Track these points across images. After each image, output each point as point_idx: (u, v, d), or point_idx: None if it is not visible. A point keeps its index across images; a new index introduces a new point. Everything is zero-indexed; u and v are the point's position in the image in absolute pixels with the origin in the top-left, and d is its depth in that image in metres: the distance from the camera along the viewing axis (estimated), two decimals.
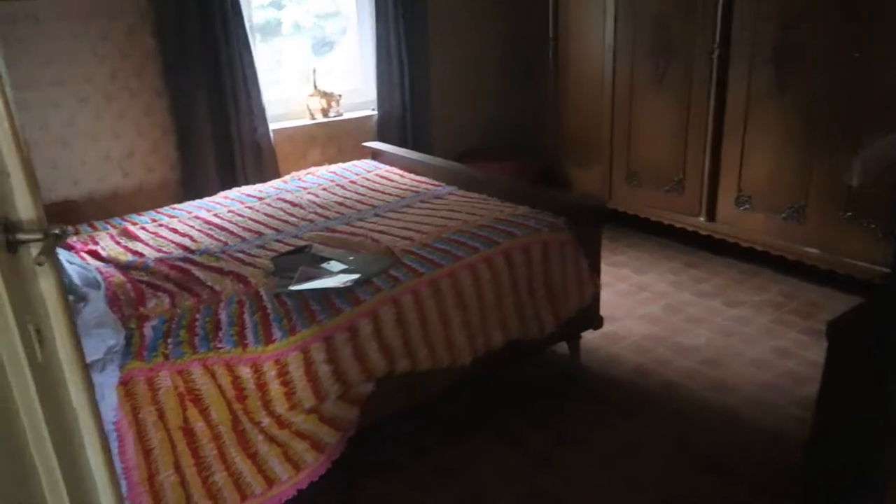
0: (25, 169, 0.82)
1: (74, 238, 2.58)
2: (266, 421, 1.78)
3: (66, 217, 3.29)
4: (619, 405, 2.50)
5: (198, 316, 1.89)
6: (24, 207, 0.82)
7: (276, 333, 1.82)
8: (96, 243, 2.56)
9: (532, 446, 2.29)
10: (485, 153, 4.52)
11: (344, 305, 1.95)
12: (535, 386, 2.64)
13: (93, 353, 1.65)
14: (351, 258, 2.23)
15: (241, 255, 2.38)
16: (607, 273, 3.53)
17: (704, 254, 3.74)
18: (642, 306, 3.22)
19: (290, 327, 1.84)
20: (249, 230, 2.66)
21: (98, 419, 0.99)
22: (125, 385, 1.62)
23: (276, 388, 1.79)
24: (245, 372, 1.75)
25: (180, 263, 2.28)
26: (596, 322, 2.68)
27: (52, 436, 0.79)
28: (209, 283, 2.09)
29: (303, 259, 2.20)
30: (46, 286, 0.87)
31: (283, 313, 1.90)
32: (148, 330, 1.79)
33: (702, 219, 3.56)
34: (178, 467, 1.67)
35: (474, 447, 2.29)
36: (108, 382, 1.60)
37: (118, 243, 2.57)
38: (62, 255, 2.30)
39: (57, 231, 0.76)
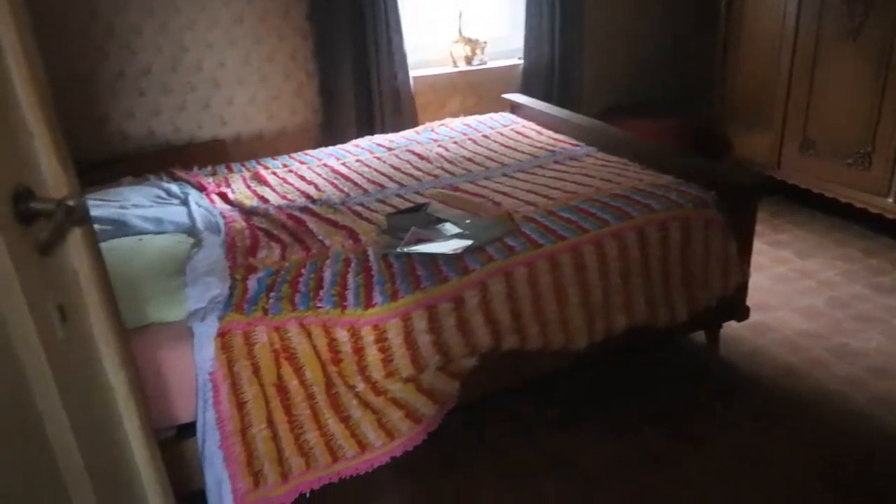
0: (52, 131, 0.74)
1: (210, 180, 2.66)
2: (361, 386, 1.72)
3: (213, 156, 3.44)
4: (756, 408, 2.20)
5: (303, 271, 1.85)
6: (53, 174, 0.75)
7: (377, 297, 1.74)
8: (228, 185, 2.63)
9: (648, 441, 2.08)
10: (636, 109, 4.14)
11: (451, 273, 1.82)
12: (661, 375, 2.39)
13: (196, 301, 1.67)
14: (467, 221, 2.09)
15: (358, 209, 2.33)
16: (764, 254, 3.13)
17: (887, 241, 3.20)
18: (802, 296, 2.82)
19: (392, 292, 1.76)
20: (373, 182, 2.59)
21: (142, 401, 0.93)
22: (223, 337, 1.61)
23: (372, 354, 1.72)
24: (342, 335, 1.69)
25: (297, 213, 2.26)
26: (740, 314, 2.36)
27: (72, 421, 0.73)
28: (320, 237, 2.05)
29: (417, 219, 2.09)
30: (78, 256, 0.80)
31: (386, 276, 1.82)
32: (252, 282, 1.78)
33: (890, 200, 3.02)
34: (270, 422, 1.66)
35: (584, 434, 2.12)
36: (206, 332, 1.60)
37: (248, 187, 2.61)
38: (192, 196, 2.37)
39: (71, 202, 0.69)
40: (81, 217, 0.75)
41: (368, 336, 1.71)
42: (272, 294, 1.74)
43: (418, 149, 2.93)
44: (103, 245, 1.93)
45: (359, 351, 1.70)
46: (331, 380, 1.70)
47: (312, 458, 1.72)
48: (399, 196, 2.44)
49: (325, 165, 2.81)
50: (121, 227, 1.99)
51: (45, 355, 0.66)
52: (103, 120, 3.26)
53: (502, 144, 2.94)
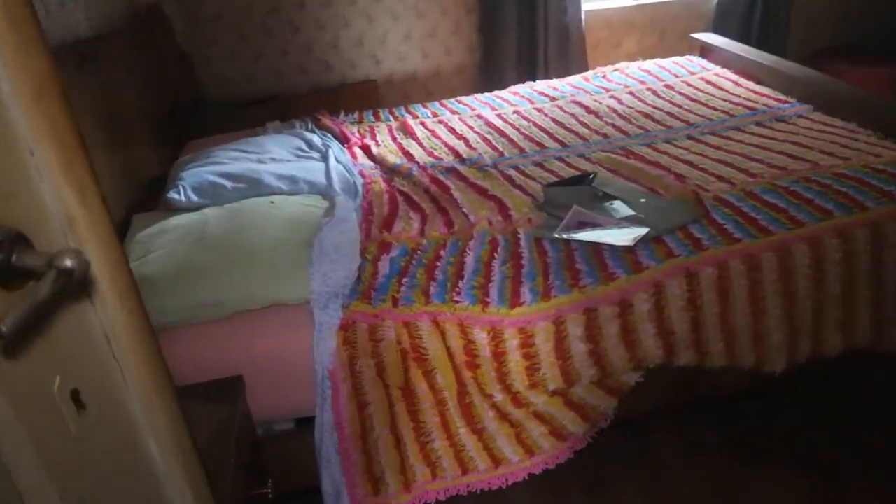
0: (62, 146, 0.50)
1: (355, 129, 2.46)
2: (499, 396, 1.46)
3: (364, 98, 3.25)
4: None
5: (442, 254, 1.59)
6: (62, 213, 0.50)
7: (526, 295, 1.44)
8: (374, 136, 2.41)
9: (857, 490, 1.65)
10: (852, 53, 3.39)
11: (619, 270, 1.48)
12: (880, 406, 1.90)
13: (321, 283, 1.47)
14: (642, 200, 1.71)
15: (511, 173, 2.01)
16: None
17: None
18: None
19: (543, 289, 1.45)
20: (531, 139, 2.26)
21: None
22: (345, 329, 1.41)
23: (515, 361, 1.44)
24: (481, 337, 1.42)
25: (442, 177, 1.99)
26: None
27: None
28: (465, 209, 1.77)
29: (580, 194, 1.74)
30: (107, 316, 0.55)
31: (538, 268, 1.51)
32: (384, 264, 1.55)
33: None
34: (394, 427, 1.45)
35: (767, 468, 1.72)
36: (328, 323, 1.40)
37: (394, 138, 2.38)
38: (333, 149, 2.18)
39: (68, 263, 0.43)
40: (84, 281, 0.50)
41: (512, 340, 1.43)
42: (405, 281, 1.50)
43: (586, 100, 2.53)
44: (233, 205, 1.82)
45: (499, 356, 1.43)
46: (465, 386, 1.46)
47: (440, 468, 1.50)
48: (560, 159, 2.09)
49: (479, 116, 2.50)
50: (254, 186, 1.84)
51: (47, 469, 0.45)
52: (257, 57, 3.17)
53: (689, 97, 2.46)
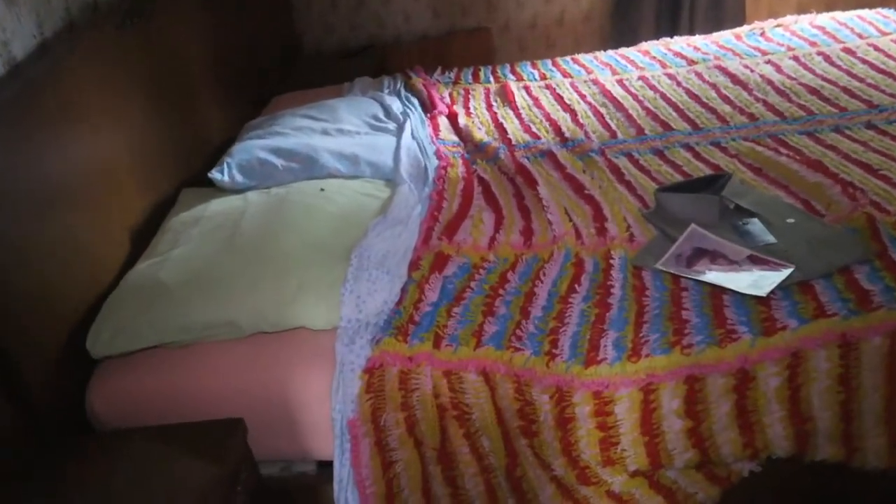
0: None
1: (446, 92, 2.13)
2: (561, 470, 1.14)
3: (475, 49, 2.89)
4: None
5: (510, 276, 1.26)
6: None
7: (608, 350, 1.09)
8: (466, 102, 2.07)
9: None
10: None
11: (743, 327, 1.08)
12: None
13: (351, 309, 1.19)
14: (790, 221, 1.27)
15: (621, 162, 1.61)
16: None
17: None
18: None
19: (633, 344, 1.09)
20: (654, 116, 1.82)
21: None
22: (370, 373, 1.13)
23: (587, 430, 1.10)
24: (542, 399, 1.09)
25: (531, 164, 1.63)
26: None
27: None
28: (550, 213, 1.41)
29: (704, 205, 1.33)
30: None
31: (631, 312, 1.14)
32: (434, 286, 1.24)
33: None
34: (426, 493, 1.18)
35: None
36: (351, 363, 1.13)
37: (489, 105, 2.03)
38: (413, 119, 1.87)
39: None
40: None
41: (583, 406, 1.09)
42: (456, 312, 1.19)
43: (734, 65, 2.02)
44: (279, 190, 1.55)
45: (565, 423, 1.10)
46: (517, 456, 1.14)
47: None
48: (687, 147, 1.65)
49: (595, 82, 2.07)
50: (309, 166, 1.58)
51: None
52: (360, 3, 2.88)
53: (876, 67, 1.88)
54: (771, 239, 1.23)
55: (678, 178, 1.52)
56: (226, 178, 1.56)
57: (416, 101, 2.03)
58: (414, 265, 1.29)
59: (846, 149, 1.52)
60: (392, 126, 1.83)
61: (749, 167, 1.51)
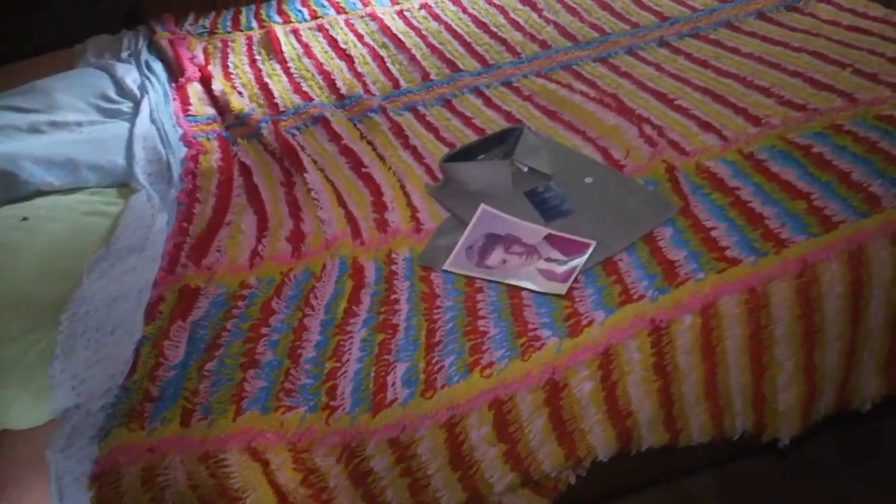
0: None
1: (199, 47, 1.76)
2: None
3: None
4: None
5: (277, 306, 1.01)
6: None
7: (399, 389, 0.89)
8: (225, 58, 1.72)
9: None
10: None
11: (547, 331, 0.92)
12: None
13: (65, 394, 0.90)
14: (588, 181, 1.12)
15: (405, 120, 1.38)
16: None
17: None
18: None
19: (427, 376, 0.90)
20: (441, 54, 1.59)
21: None
22: (101, 480, 0.86)
23: (390, 479, 0.93)
24: (329, 463, 0.89)
25: (299, 139, 1.36)
26: None
27: None
28: (323, 209, 1.16)
29: (494, 172, 1.14)
30: None
31: (420, 332, 0.95)
32: (176, 342, 0.97)
33: None
34: None
35: None
36: (75, 471, 0.86)
37: (252, 61, 1.70)
38: (153, 94, 1.51)
39: None
40: None
41: (381, 457, 0.90)
42: (209, 369, 0.94)
43: None
44: None
45: (363, 479, 0.91)
46: None
47: None
48: (477, 91, 1.45)
49: (373, 17, 1.79)
50: (5, 185, 1.21)
51: None
52: None
53: None
54: (570, 207, 1.07)
55: (468, 132, 1.32)
56: None
57: (159, 66, 1.65)
58: (152, 311, 1.01)
59: (640, 75, 1.39)
60: (127, 107, 1.46)
61: (543, 110, 1.34)
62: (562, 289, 0.94)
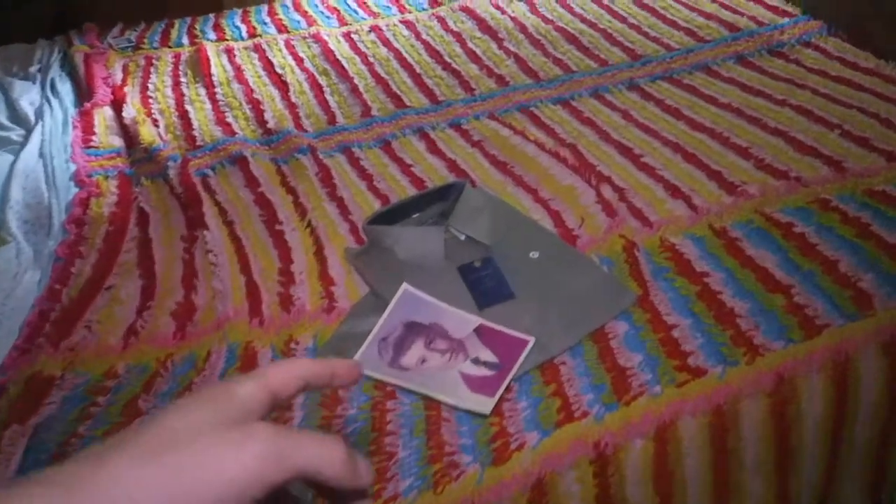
0: None
1: (119, 64, 1.57)
2: None
3: None
4: None
5: (144, 404, 0.83)
6: None
7: None
8: (147, 78, 1.53)
9: None
10: None
11: (469, 454, 0.75)
12: None
13: None
14: (534, 255, 0.95)
15: (337, 163, 1.21)
16: None
17: None
18: None
19: None
20: (386, 86, 1.42)
21: None
22: None
23: None
24: None
25: (214, 179, 1.18)
26: None
27: None
28: (217, 279, 0.98)
29: (424, 239, 0.97)
30: None
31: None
32: (14, 447, 0.78)
33: None
34: None
35: None
36: None
37: (176, 82, 1.51)
38: (48, 117, 1.32)
39: None
40: None
41: None
42: None
43: (482, 6, 1.65)
44: None
45: None
46: None
47: None
48: (420, 133, 1.27)
49: (317, 39, 1.62)
50: None
51: None
52: None
53: (640, 1, 1.61)
54: (509, 291, 0.90)
55: (405, 183, 1.15)
56: None
57: (67, 86, 1.46)
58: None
59: (604, 123, 1.23)
60: (17, 135, 1.27)
61: (493, 160, 1.17)
62: (487, 405, 0.77)
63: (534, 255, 0.95)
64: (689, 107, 1.24)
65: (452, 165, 1.17)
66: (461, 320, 0.86)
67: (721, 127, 1.17)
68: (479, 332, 0.85)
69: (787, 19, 1.44)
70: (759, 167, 1.06)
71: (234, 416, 0.30)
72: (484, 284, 0.91)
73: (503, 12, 1.62)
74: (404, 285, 0.89)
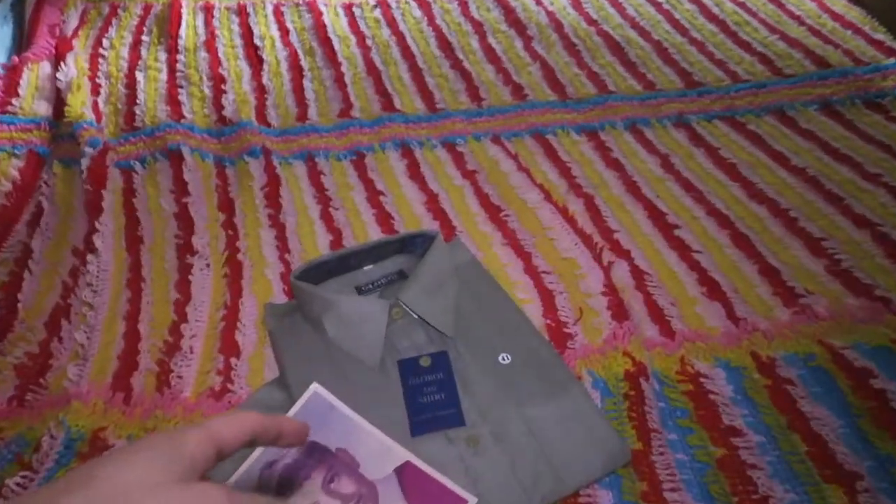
0: None
1: (77, 10, 1.32)
2: None
3: None
4: None
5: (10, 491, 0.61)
6: None
7: None
8: (105, 30, 1.29)
9: None
10: None
11: None
12: None
13: None
14: (504, 360, 0.70)
15: (292, 175, 0.96)
16: None
17: None
18: None
19: None
20: (377, 79, 1.16)
21: None
22: None
23: None
24: None
25: (139, 177, 0.94)
26: None
27: None
28: (86, 329, 0.75)
29: (368, 315, 0.72)
30: None
31: None
32: None
33: None
34: None
35: None
36: None
37: (137, 40, 1.26)
38: None
39: None
40: None
41: None
42: None
43: None
44: None
45: None
46: None
47: None
48: (403, 149, 1.02)
49: (312, 9, 1.35)
50: None
51: None
52: None
53: (708, 12, 1.31)
54: (457, 416, 0.65)
55: (367, 218, 0.90)
56: None
57: (8, 30, 1.22)
58: None
59: (637, 171, 0.96)
60: None
61: (484, 203, 0.91)
62: None
63: (504, 358, 0.70)
64: (750, 165, 0.96)
65: (431, 201, 0.91)
66: (381, 451, 0.61)
67: (788, 202, 0.89)
68: (404, 475, 0.60)
69: (893, 60, 1.14)
70: (833, 273, 0.78)
71: (182, 472, 0.30)
72: (426, 396, 0.66)
73: (539, 2, 1.33)
74: (314, 385, 0.65)
